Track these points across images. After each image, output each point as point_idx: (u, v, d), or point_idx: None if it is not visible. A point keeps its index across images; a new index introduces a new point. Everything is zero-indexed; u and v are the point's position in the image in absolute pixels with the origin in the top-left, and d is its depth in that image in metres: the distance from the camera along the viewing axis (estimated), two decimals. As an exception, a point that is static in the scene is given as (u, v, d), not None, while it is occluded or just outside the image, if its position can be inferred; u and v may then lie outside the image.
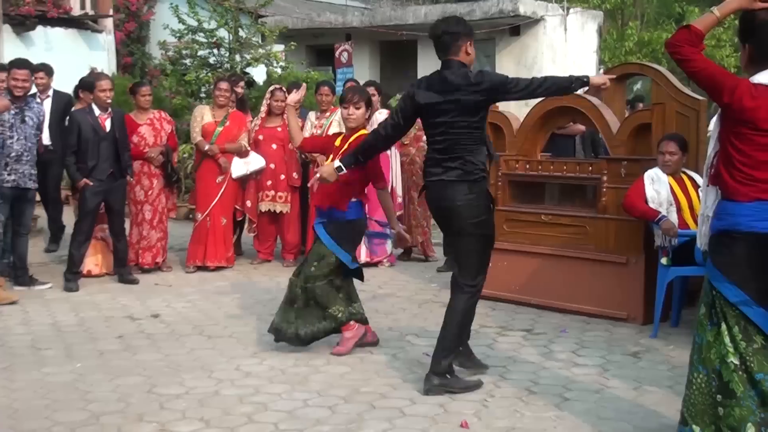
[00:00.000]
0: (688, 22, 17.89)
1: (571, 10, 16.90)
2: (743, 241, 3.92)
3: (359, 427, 4.86)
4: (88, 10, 16.13)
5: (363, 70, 16.94)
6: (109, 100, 8.56)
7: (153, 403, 5.24)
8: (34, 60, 11.92)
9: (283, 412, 5.08)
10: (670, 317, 7.05)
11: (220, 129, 9.30)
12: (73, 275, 8.49)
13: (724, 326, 3.96)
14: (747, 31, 4.05)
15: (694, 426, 4.08)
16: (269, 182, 9.52)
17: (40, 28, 15.05)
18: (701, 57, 4.02)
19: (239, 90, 10.24)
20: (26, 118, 8.23)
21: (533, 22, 15.90)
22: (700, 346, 4.10)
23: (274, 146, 9.48)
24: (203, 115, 9.40)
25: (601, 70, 15.53)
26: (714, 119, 4.23)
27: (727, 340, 3.95)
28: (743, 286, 3.92)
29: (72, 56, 15.15)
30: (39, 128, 8.55)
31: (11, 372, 5.88)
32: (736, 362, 3.92)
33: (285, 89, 9.73)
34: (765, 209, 3.88)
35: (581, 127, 9.23)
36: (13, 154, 8.09)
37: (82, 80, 10.07)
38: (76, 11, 15.77)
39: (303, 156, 9.35)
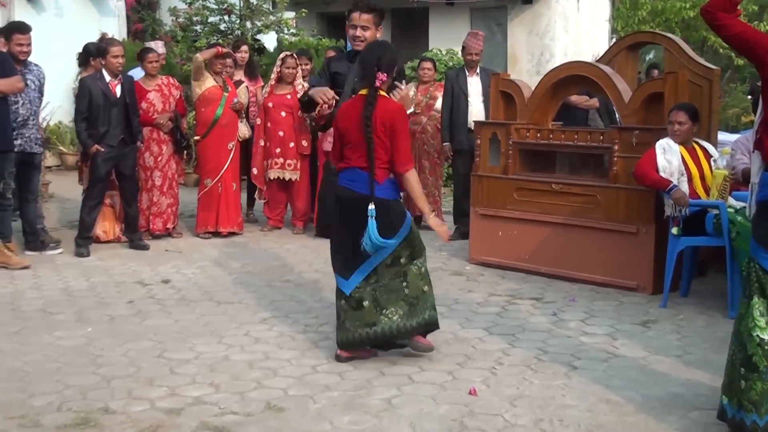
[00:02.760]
0: (703, -10, 17.39)
1: (585, -22, 16.78)
2: None
3: (368, 393, 4.87)
4: (98, -26, 16.08)
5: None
6: (120, 67, 8.55)
7: (163, 368, 5.27)
8: (45, 26, 11.93)
9: (293, 378, 5.10)
10: (680, 287, 7.04)
11: (226, 95, 9.30)
12: (84, 240, 8.52)
13: (755, 299, 3.94)
14: None
15: (723, 396, 4.10)
16: (278, 150, 9.51)
17: (50, -6, 15.02)
18: (737, 21, 3.95)
19: (242, 54, 10.19)
20: (28, 82, 8.21)
21: (546, -10, 15.81)
22: (737, 319, 4.10)
23: (283, 113, 9.46)
24: (207, 76, 9.35)
25: (614, 39, 15.43)
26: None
27: (756, 313, 3.94)
28: None
29: (82, 22, 15.13)
30: (41, 91, 8.55)
31: (23, 336, 5.92)
32: (763, 337, 3.91)
33: (295, 56, 9.73)
34: None
35: (595, 102, 9.19)
36: (19, 119, 8.10)
37: (86, 46, 10.02)
38: (87, -24, 15.72)
39: (312, 123, 9.34)
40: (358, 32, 5.97)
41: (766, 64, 3.88)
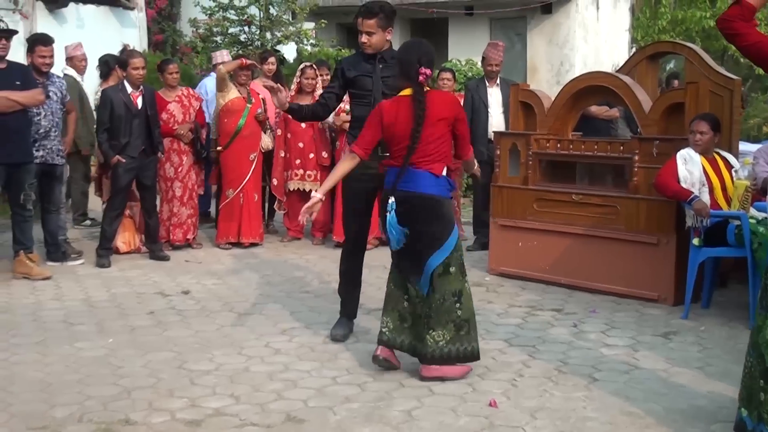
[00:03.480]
0: (723, 3, 17.80)
1: (604, -12, 16.76)
2: None
3: (388, 404, 4.86)
4: (120, -13, 16.18)
5: (394, 48, 16.73)
6: (141, 78, 8.61)
7: (183, 379, 5.28)
8: (68, 37, 11.99)
9: (313, 389, 5.10)
10: (701, 298, 7.00)
11: (249, 106, 9.31)
12: (105, 251, 8.56)
13: None
14: None
15: (743, 409, 4.08)
16: (298, 161, 9.54)
17: (72, 5, 15.08)
18: (754, 31, 3.93)
19: (269, 66, 10.21)
20: (50, 94, 8.27)
21: (565, 0, 15.78)
22: (754, 330, 4.08)
23: (303, 125, 9.44)
24: (231, 87, 9.38)
25: (634, 49, 15.38)
26: None
27: None
28: None
29: (104, 33, 15.20)
30: (63, 103, 8.59)
31: (44, 346, 5.94)
32: None
33: (315, 67, 9.75)
34: None
35: (615, 112, 9.16)
36: (41, 130, 8.14)
37: (106, 57, 10.06)
38: (108, -11, 15.83)
39: (332, 134, 9.36)
40: (364, 38, 5.92)
41: None
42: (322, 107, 6.24)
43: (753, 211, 6.59)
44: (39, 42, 8.40)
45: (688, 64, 7.44)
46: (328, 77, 9.99)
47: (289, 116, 9.31)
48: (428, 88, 5.30)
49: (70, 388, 5.11)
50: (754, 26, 3.94)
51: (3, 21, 8.00)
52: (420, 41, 5.61)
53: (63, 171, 8.80)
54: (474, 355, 5.31)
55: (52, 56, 8.36)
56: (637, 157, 7.20)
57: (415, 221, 5.20)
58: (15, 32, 7.84)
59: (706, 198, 6.63)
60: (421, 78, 5.16)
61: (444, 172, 5.25)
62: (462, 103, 9.38)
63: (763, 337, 3.97)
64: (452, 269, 5.21)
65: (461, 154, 5.43)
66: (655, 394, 5.05)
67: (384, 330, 5.32)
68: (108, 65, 9.90)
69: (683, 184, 6.63)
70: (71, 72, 10.08)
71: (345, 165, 5.38)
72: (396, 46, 6.15)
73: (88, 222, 10.57)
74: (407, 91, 5.25)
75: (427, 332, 5.20)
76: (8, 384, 5.19)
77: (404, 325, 5.32)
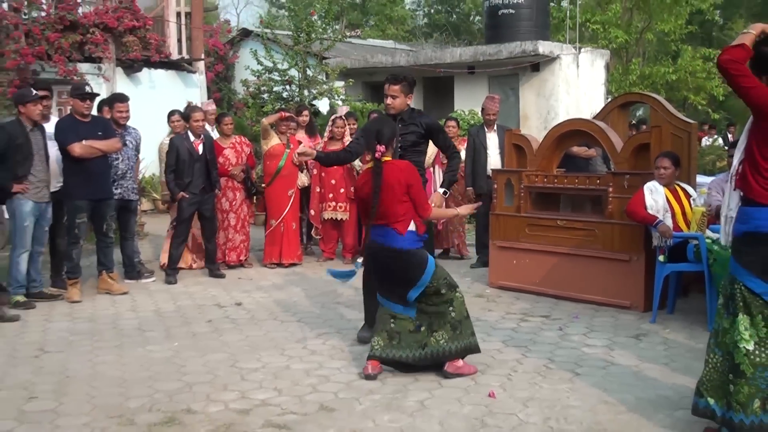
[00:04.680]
0: (683, 60, 17.53)
1: (582, 50, 16.71)
2: (766, 241, 3.79)
3: (404, 396, 4.85)
4: (185, 54, 16.31)
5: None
6: (202, 129, 8.67)
7: (235, 375, 5.29)
8: (141, 96, 12.12)
9: (342, 383, 5.10)
10: (667, 306, 6.94)
11: (288, 150, 9.32)
12: (172, 270, 8.59)
13: (741, 316, 3.86)
14: (759, 64, 3.84)
15: (709, 399, 4.01)
16: (331, 195, 9.55)
17: (145, 70, 15.22)
18: (752, 74, 3.79)
19: (303, 118, 10.25)
20: (127, 142, 8.33)
21: (550, 59, 15.75)
22: (717, 332, 4.02)
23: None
24: (273, 135, 9.42)
25: (609, 98, 15.36)
26: (743, 134, 4.01)
27: (741, 328, 3.85)
28: (766, 279, 3.79)
29: (171, 93, 15.33)
30: (137, 149, 8.65)
31: (121, 349, 5.98)
32: (749, 348, 3.83)
33: (344, 118, 9.79)
34: None
35: (593, 152, 9.14)
36: (119, 172, 8.20)
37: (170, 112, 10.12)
38: (175, 56, 15.95)
39: (358, 174, 9.37)
40: (389, 100, 5.99)
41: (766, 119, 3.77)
42: (347, 153, 6.26)
43: (709, 233, 6.54)
44: (117, 100, 8.49)
45: (653, 111, 7.42)
46: (355, 126, 10.04)
47: (323, 158, 9.39)
48: (388, 159, 5.22)
49: (142, 383, 5.14)
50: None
51: (89, 84, 8.05)
52: (381, 120, 5.62)
53: (137, 205, 8.86)
54: (473, 348, 5.29)
55: (127, 111, 8.43)
56: (611, 189, 7.18)
57: (388, 266, 5.23)
58: (97, 95, 7.92)
59: (669, 222, 6.59)
60: (377, 154, 5.15)
61: (412, 227, 5.19)
62: (465, 146, 9.42)
63: (731, 338, 3.91)
64: (443, 290, 5.22)
65: (419, 213, 5.21)
66: (628, 386, 5.00)
67: (375, 347, 5.22)
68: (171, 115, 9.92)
69: (650, 211, 6.60)
70: (207, 126, 9.57)
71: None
72: (414, 103, 6.19)
73: None
74: (370, 163, 5.25)
75: (431, 335, 5.19)
76: (92, 380, 5.22)
77: (393, 342, 5.22)
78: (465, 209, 5.88)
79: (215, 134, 9.44)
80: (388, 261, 5.21)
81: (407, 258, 5.18)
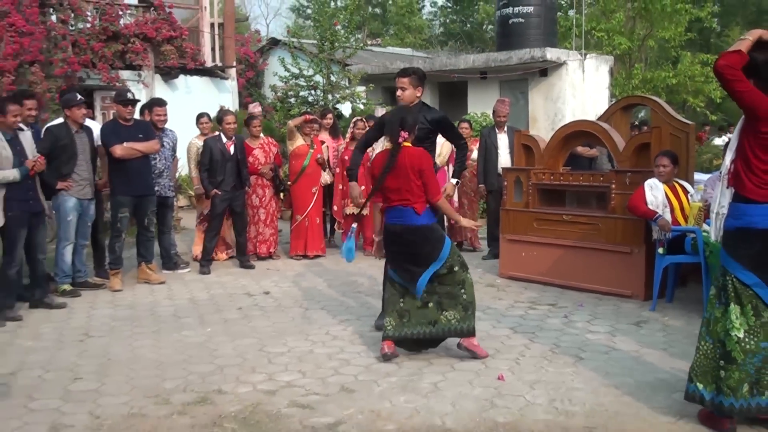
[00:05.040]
0: (683, 65, 17.26)
1: (588, 56, 16.58)
2: (758, 236, 3.75)
3: (419, 378, 4.84)
4: (218, 62, 16.36)
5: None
6: (233, 131, 8.69)
7: (263, 359, 5.30)
8: (178, 101, 12.16)
9: (362, 367, 5.10)
10: (666, 295, 6.89)
11: (311, 151, 9.33)
12: (206, 262, 8.61)
13: (732, 305, 3.83)
14: (751, 69, 3.78)
15: (698, 384, 3.98)
16: (352, 191, 9.54)
17: (181, 77, 15.29)
18: (746, 79, 3.74)
19: (327, 120, 10.25)
20: (164, 143, 8.37)
21: (558, 65, 15.64)
22: (709, 320, 3.98)
23: (355, 163, 9.49)
24: (297, 136, 9.43)
25: (613, 101, 15.24)
26: (734, 134, 3.96)
27: (733, 317, 3.82)
28: (756, 271, 3.77)
29: (205, 97, 15.39)
30: (174, 150, 8.68)
31: (159, 334, 6.02)
32: (740, 335, 3.80)
33: (364, 120, 9.78)
34: None
35: (595, 152, 9.08)
36: (156, 171, 8.23)
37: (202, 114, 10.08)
38: (209, 63, 16.00)
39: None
40: (398, 93, 5.94)
41: (758, 121, 3.73)
42: (357, 152, 6.15)
43: (705, 227, 6.47)
44: (156, 104, 8.52)
45: (653, 113, 7.36)
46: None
47: (345, 158, 9.42)
48: (408, 144, 5.21)
49: (177, 366, 5.17)
50: None
51: (131, 91, 8.08)
52: (404, 108, 5.57)
53: (173, 201, 8.89)
54: (473, 331, 5.23)
55: (165, 115, 8.47)
56: (613, 186, 7.13)
57: (408, 245, 5.18)
58: (138, 101, 7.97)
59: (668, 216, 6.54)
60: (399, 139, 5.14)
61: (427, 207, 5.19)
62: (477, 146, 9.38)
63: (722, 328, 3.88)
64: (456, 268, 5.20)
65: (429, 197, 5.18)
66: (628, 369, 4.97)
67: (388, 328, 5.22)
68: (200, 117, 9.86)
69: (650, 206, 6.55)
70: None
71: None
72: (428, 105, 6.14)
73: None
74: (388, 146, 5.25)
75: (441, 314, 5.16)
76: (131, 363, 5.26)
77: (404, 321, 5.21)
78: (466, 222, 5.77)
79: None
80: (409, 239, 5.17)
81: (428, 233, 5.17)
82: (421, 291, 5.19)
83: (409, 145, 5.22)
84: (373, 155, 6.10)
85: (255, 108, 10.32)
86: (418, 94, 5.93)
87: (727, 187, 3.96)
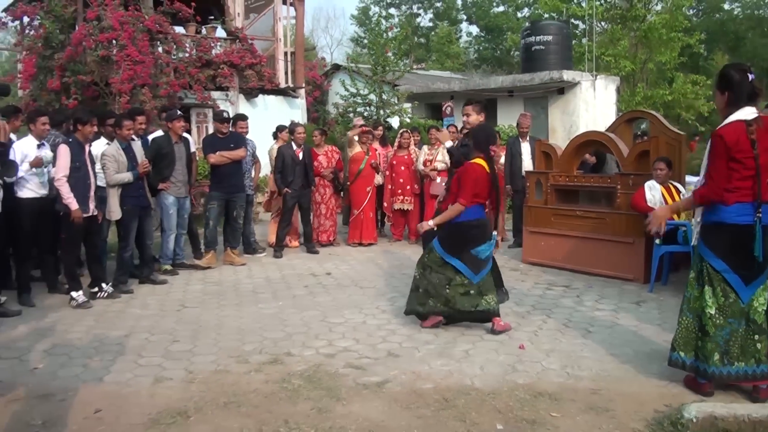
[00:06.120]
0: (677, 84, 16.87)
1: (598, 77, 16.26)
2: (727, 229, 3.74)
3: (453, 346, 4.83)
4: (290, 84, 16.45)
5: (460, 119, 16.69)
6: (303, 140, 8.74)
7: (324, 328, 5.34)
8: (257, 116, 12.26)
9: (405, 336, 5.10)
10: (662, 278, 6.74)
11: (367, 157, 9.33)
12: (279, 247, 8.68)
13: (707, 288, 3.82)
14: (725, 83, 3.72)
15: (680, 352, 3.96)
16: (399, 191, 9.52)
17: (260, 96, 15.40)
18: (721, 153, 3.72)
19: (379, 132, 10.23)
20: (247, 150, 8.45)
21: (573, 84, 15.38)
22: (689, 299, 3.96)
23: (402, 168, 9.47)
24: (356, 144, 9.45)
25: (620, 115, 14.91)
26: (705, 156, 3.90)
27: (707, 297, 3.81)
28: (725, 259, 3.76)
29: (279, 113, 15.45)
30: (254, 156, 8.76)
31: (240, 307, 6.09)
32: (712, 312, 3.79)
33: (409, 131, 9.75)
34: (743, 208, 3.70)
35: (593, 159, 8.87)
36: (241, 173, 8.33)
37: (277, 127, 10.10)
38: (282, 85, 16.08)
39: (420, 175, 9.34)
40: (464, 118, 5.90)
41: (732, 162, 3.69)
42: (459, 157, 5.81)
43: (694, 221, 6.31)
44: (239, 118, 8.61)
45: (652, 125, 7.20)
46: (419, 138, 9.96)
47: (393, 163, 9.39)
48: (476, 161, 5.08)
49: (254, 332, 5.24)
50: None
51: (227, 111, 8.26)
52: (490, 127, 5.45)
53: (253, 198, 8.99)
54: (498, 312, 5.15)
55: (247, 127, 8.56)
56: (619, 186, 7.00)
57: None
58: (231, 119, 8.10)
59: (665, 213, 6.39)
60: (491, 153, 5.06)
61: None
62: (504, 153, 9.27)
63: (700, 305, 3.87)
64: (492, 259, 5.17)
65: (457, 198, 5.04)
66: (629, 341, 4.89)
67: (435, 308, 5.11)
68: (277, 131, 9.95)
69: (649, 204, 6.42)
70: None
71: (455, 210, 5.03)
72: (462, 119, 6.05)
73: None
74: (480, 160, 5.04)
75: (482, 298, 5.07)
76: (218, 329, 5.34)
77: (450, 305, 5.07)
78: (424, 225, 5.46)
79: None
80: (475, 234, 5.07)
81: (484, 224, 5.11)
82: (475, 275, 5.09)
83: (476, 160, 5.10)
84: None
85: (358, 120, 10.43)
86: (481, 119, 5.84)
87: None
